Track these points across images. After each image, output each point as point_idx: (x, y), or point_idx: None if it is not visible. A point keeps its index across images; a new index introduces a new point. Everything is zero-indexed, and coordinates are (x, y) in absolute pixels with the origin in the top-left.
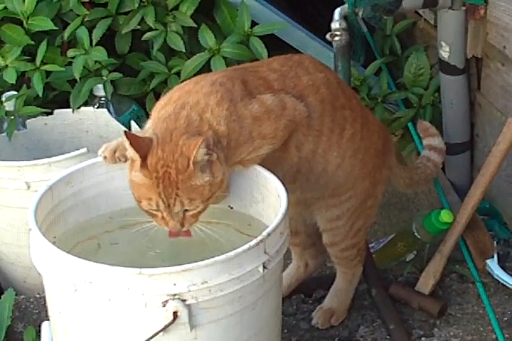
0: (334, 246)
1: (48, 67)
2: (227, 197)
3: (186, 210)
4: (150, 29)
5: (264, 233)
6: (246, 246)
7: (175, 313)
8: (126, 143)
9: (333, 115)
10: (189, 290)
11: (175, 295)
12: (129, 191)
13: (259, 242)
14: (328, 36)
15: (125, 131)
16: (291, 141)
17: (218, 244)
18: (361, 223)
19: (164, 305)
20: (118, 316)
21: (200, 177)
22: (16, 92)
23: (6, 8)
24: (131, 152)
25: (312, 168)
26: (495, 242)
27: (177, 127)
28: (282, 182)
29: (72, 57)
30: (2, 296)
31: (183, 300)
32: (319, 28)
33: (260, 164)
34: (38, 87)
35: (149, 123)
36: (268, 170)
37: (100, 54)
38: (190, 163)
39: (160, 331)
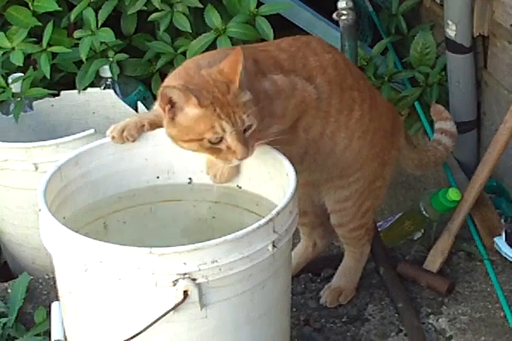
0: (342, 227)
1: (54, 49)
2: (236, 177)
3: (246, 130)
4: (156, 10)
5: (274, 212)
6: (255, 225)
7: (185, 292)
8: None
9: (341, 96)
10: (199, 269)
11: (185, 274)
12: (137, 171)
13: (268, 221)
14: (334, 15)
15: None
16: (301, 124)
17: (226, 223)
18: (369, 204)
19: (174, 284)
20: (128, 295)
21: (244, 94)
22: (22, 74)
23: None
24: (176, 94)
25: (320, 149)
26: (502, 220)
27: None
28: (291, 162)
29: (79, 39)
30: (17, 279)
31: (194, 279)
32: (324, 7)
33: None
34: (45, 69)
35: (157, 104)
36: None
37: (107, 35)
38: (236, 84)
39: (170, 310)
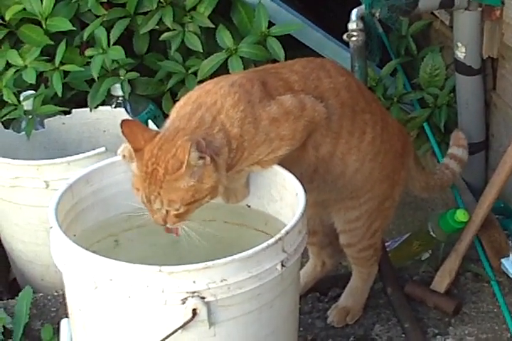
0: (351, 247)
1: (66, 67)
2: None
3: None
4: (168, 29)
5: (283, 231)
6: (265, 245)
7: (194, 310)
8: (121, 132)
9: (353, 119)
10: (208, 288)
11: (194, 292)
12: None
13: (277, 240)
14: (345, 36)
15: (123, 120)
16: (309, 141)
17: (235, 242)
18: (378, 224)
19: (184, 303)
20: (138, 313)
21: (186, 180)
22: (34, 92)
23: (24, 9)
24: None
25: (330, 169)
26: (510, 241)
27: (186, 127)
28: (300, 181)
29: (90, 57)
30: (20, 294)
31: (203, 298)
32: (334, 28)
33: (278, 163)
34: (57, 87)
35: (167, 124)
36: (286, 168)
37: (118, 53)
38: (184, 166)
39: (179, 328)
